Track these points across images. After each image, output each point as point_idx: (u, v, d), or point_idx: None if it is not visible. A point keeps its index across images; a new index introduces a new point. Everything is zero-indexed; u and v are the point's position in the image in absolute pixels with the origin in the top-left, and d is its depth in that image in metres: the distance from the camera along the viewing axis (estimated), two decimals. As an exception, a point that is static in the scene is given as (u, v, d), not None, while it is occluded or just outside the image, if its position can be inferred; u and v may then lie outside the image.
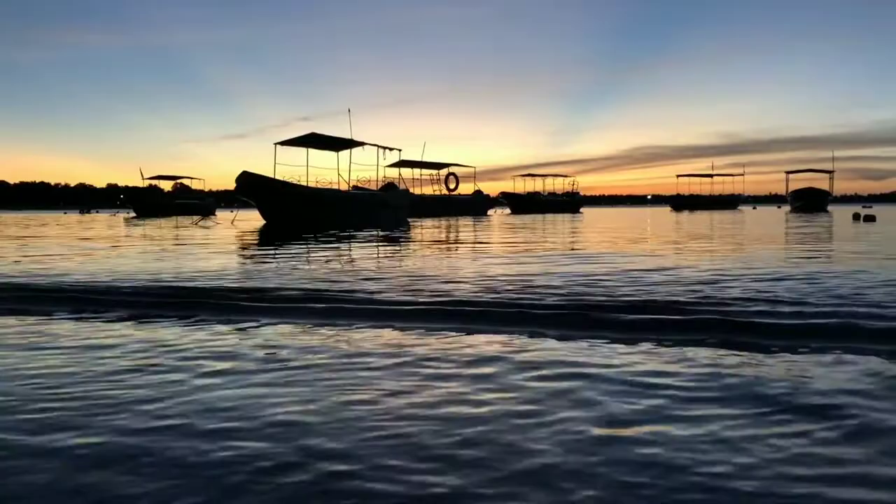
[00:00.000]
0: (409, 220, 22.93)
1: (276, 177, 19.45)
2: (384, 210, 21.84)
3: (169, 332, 2.95)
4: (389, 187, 25.24)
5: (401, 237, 11.13)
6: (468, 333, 2.84)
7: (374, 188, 24.39)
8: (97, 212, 65.04)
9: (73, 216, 39.89)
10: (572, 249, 7.59)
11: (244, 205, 21.07)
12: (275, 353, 2.49)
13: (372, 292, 3.92)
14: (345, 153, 22.71)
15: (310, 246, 8.59)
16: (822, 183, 41.35)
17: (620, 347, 2.54)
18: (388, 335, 2.83)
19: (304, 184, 20.65)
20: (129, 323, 3.18)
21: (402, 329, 2.95)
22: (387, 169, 26.45)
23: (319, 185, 21.31)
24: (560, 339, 2.69)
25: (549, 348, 2.54)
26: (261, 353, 2.50)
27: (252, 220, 23.08)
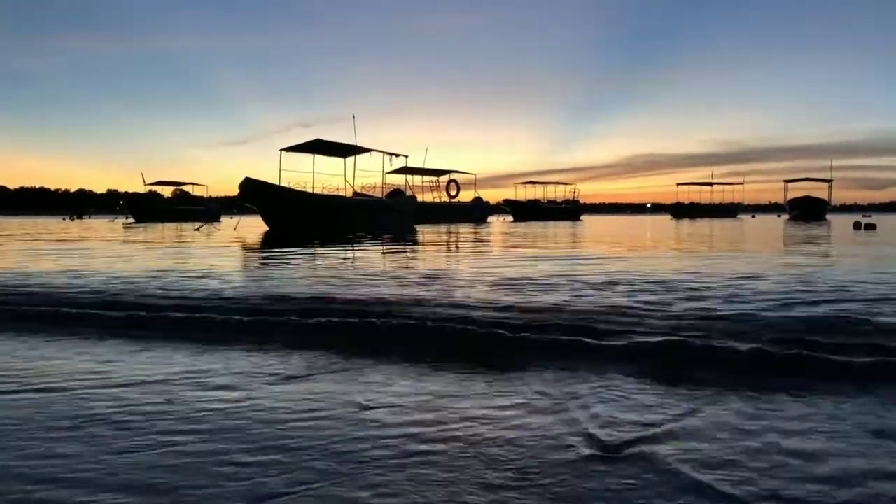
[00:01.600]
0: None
1: (282, 183, 19.52)
2: (388, 216, 21.88)
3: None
4: (396, 193, 25.27)
5: (408, 246, 11.17)
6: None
7: (380, 194, 24.41)
8: (89, 217, 64.10)
9: (81, 222, 39.88)
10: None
11: (245, 211, 21.15)
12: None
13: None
14: (350, 159, 22.78)
15: (314, 254, 8.65)
16: (820, 192, 41.47)
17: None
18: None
19: (310, 190, 20.74)
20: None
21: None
22: (388, 175, 26.44)
23: (326, 192, 21.39)
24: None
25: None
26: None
27: (255, 226, 23.11)
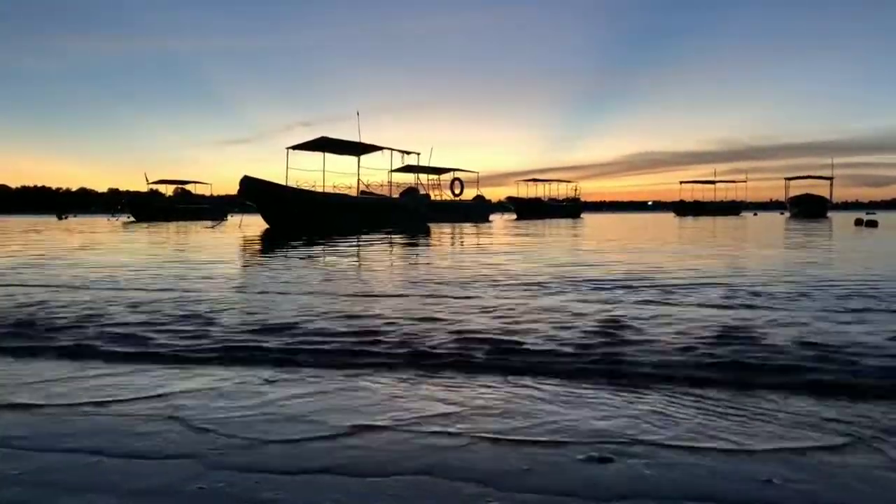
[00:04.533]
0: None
1: (289, 182, 19.59)
2: (398, 215, 21.84)
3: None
4: (409, 192, 25.35)
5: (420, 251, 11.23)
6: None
7: (388, 192, 24.44)
8: (74, 216, 63.61)
9: (89, 220, 39.96)
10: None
11: (246, 209, 21.18)
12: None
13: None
14: (353, 158, 22.79)
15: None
16: (822, 189, 41.48)
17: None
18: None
19: (320, 189, 20.79)
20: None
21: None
22: (393, 174, 26.52)
23: (335, 190, 21.47)
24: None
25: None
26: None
27: (257, 225, 23.16)
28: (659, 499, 1.28)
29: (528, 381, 2.13)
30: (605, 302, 3.71)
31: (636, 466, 1.43)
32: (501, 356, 2.41)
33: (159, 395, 2.00)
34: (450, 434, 1.65)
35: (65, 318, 3.26)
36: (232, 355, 2.49)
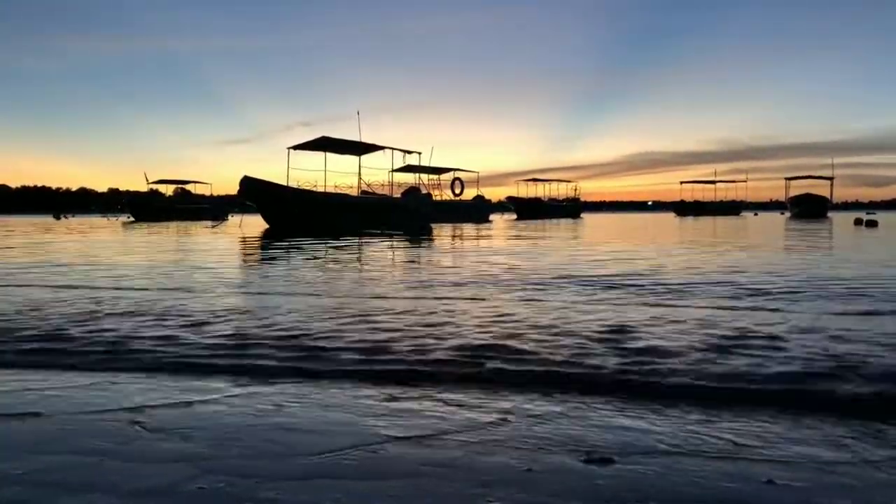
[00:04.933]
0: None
1: (290, 182, 19.61)
2: (399, 215, 21.79)
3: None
4: (411, 191, 25.36)
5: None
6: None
7: (389, 192, 24.44)
8: (73, 216, 63.70)
9: (88, 220, 39.95)
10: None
11: (246, 209, 21.20)
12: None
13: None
14: (354, 157, 22.79)
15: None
16: (822, 189, 41.51)
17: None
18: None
19: (321, 189, 20.79)
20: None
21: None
22: (393, 173, 26.50)
23: (337, 190, 21.48)
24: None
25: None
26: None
27: (257, 224, 23.15)
28: (659, 500, 1.27)
29: (529, 385, 2.13)
30: (610, 302, 3.71)
31: (637, 468, 1.43)
32: (503, 361, 2.39)
33: (160, 402, 2.00)
34: (450, 438, 1.65)
35: (62, 320, 3.25)
36: (231, 361, 2.48)
